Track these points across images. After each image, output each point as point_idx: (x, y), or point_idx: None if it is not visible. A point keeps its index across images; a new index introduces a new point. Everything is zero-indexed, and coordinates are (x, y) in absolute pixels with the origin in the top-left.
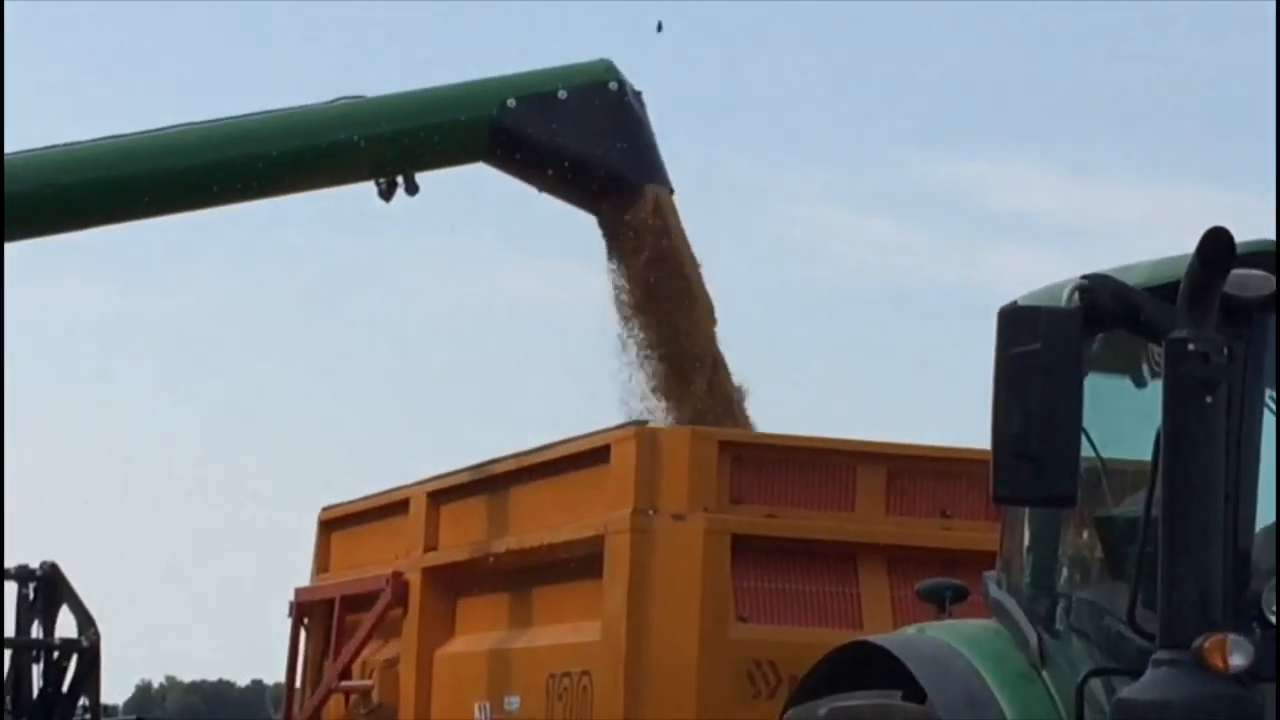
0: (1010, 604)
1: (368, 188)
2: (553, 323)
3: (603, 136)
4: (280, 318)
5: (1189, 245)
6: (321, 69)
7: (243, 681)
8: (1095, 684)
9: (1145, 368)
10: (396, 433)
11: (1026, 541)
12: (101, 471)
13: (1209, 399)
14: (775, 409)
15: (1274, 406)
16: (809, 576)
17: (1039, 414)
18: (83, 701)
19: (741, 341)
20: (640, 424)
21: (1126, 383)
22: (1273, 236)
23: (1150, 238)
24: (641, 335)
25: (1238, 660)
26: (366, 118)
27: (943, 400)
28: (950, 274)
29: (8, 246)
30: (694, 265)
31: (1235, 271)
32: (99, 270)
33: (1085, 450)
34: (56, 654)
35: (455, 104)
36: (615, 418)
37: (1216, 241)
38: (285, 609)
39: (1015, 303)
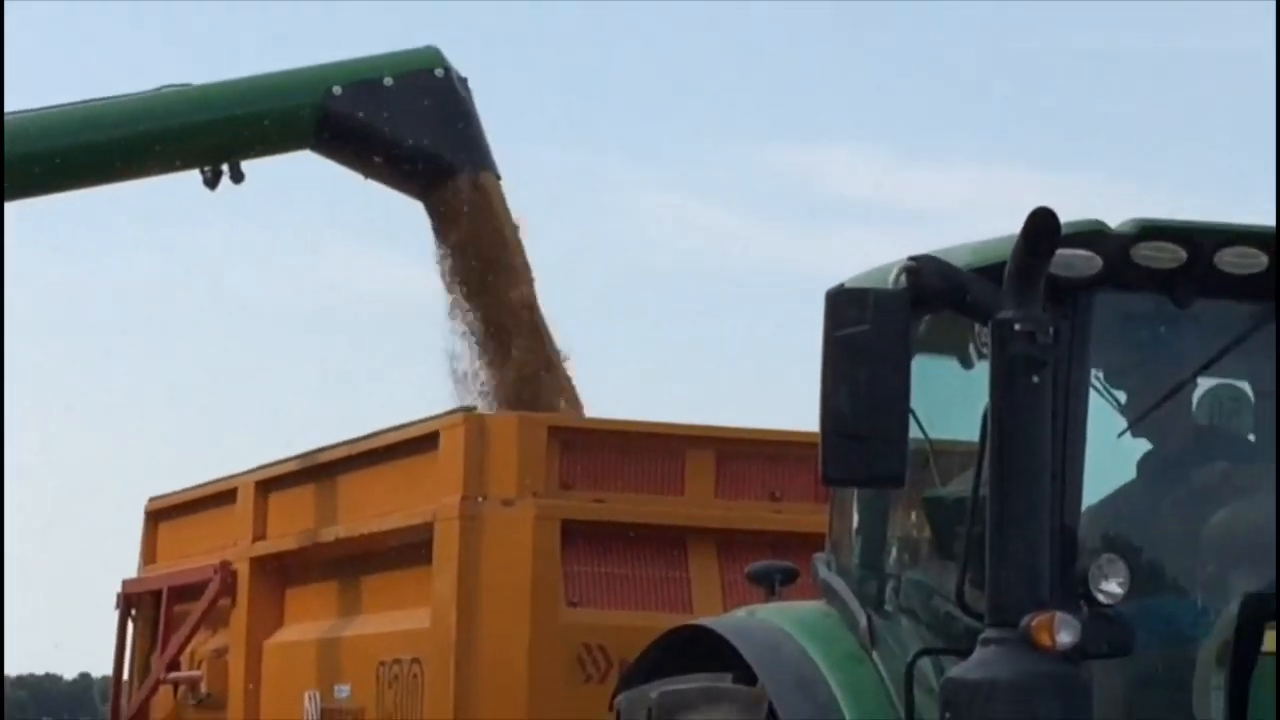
0: (839, 585)
1: (192, 175)
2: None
3: (429, 123)
4: (103, 307)
5: (1015, 226)
6: (146, 57)
7: (70, 675)
8: (925, 664)
9: (972, 348)
10: (224, 422)
11: (855, 523)
12: None
13: (1035, 379)
14: (605, 394)
15: (1099, 386)
16: (639, 561)
17: (867, 395)
18: None
19: (571, 326)
20: (469, 410)
21: (954, 364)
22: (1096, 217)
23: (978, 220)
24: (466, 310)
25: (1065, 638)
26: (191, 105)
27: (771, 383)
28: (778, 257)
29: None
30: (521, 251)
31: (1060, 252)
32: None
33: (913, 431)
34: None
35: (281, 91)
36: (446, 404)
37: (1042, 222)
38: (112, 601)
39: (842, 285)
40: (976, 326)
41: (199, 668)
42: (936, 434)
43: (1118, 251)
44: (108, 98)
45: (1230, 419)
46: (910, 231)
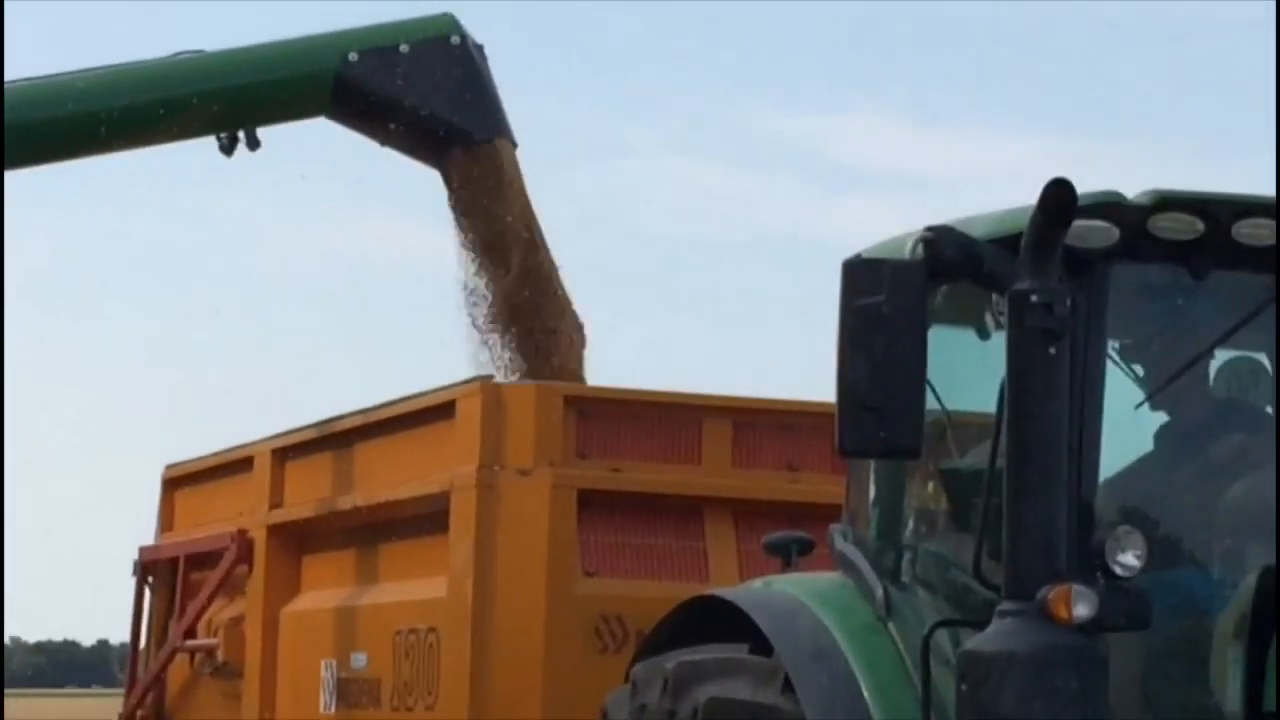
0: (856, 556)
1: (209, 141)
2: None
3: (445, 90)
4: (123, 273)
5: (1032, 197)
6: (162, 24)
7: (88, 641)
8: (941, 635)
9: (989, 319)
10: (241, 389)
11: (872, 494)
12: None
13: (1052, 350)
14: (621, 363)
15: (1116, 358)
16: (656, 530)
17: (883, 366)
18: None
19: (586, 294)
20: (486, 379)
21: (970, 335)
22: (1113, 188)
23: (995, 190)
24: (482, 277)
25: (1081, 611)
26: (207, 73)
27: (788, 353)
28: (796, 226)
29: None
30: (534, 217)
31: (1077, 223)
32: None
33: (930, 402)
34: None
35: (297, 58)
36: (463, 372)
37: (1059, 193)
38: (130, 568)
39: (859, 255)
40: (994, 297)
41: (216, 636)
42: (953, 405)
43: (1135, 223)
44: (123, 64)
45: (1248, 391)
46: (926, 200)
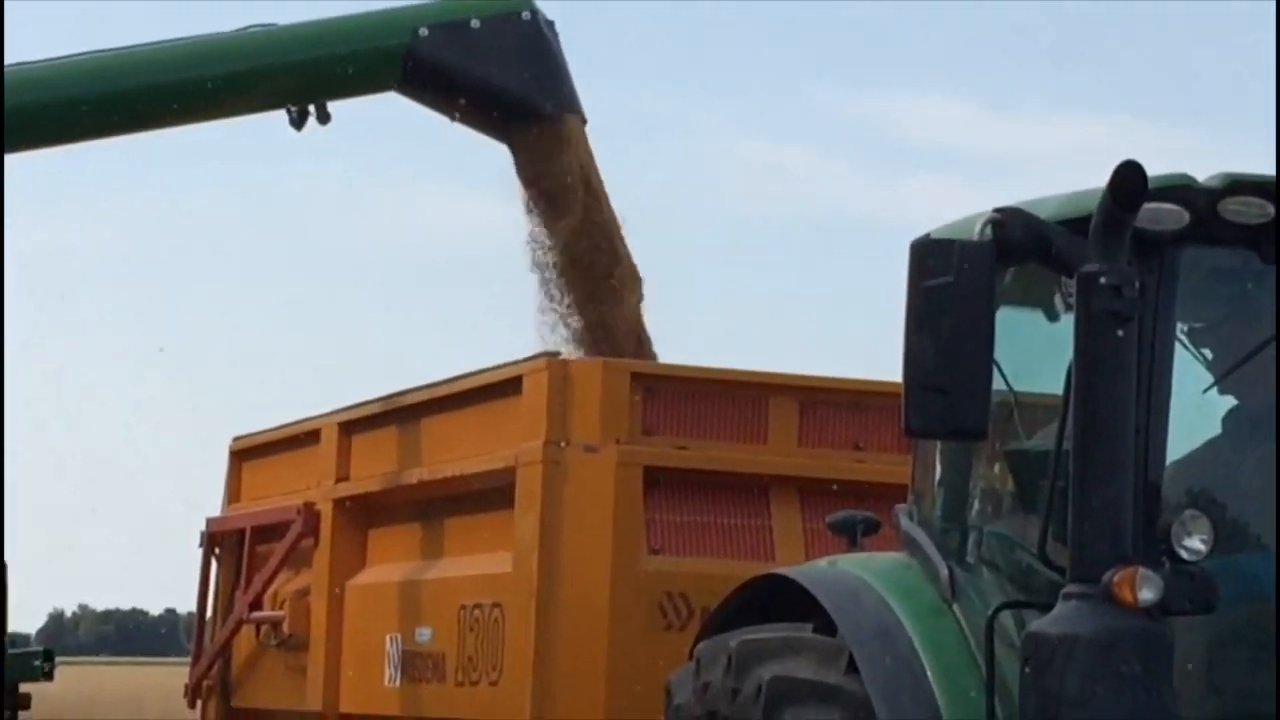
0: (921, 537)
1: (279, 116)
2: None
3: (515, 65)
4: (192, 247)
5: (1103, 179)
6: None
7: (156, 610)
8: (1006, 617)
9: (1057, 301)
10: (309, 362)
11: (938, 474)
12: (13, 403)
13: (1120, 332)
14: (688, 341)
15: (1184, 341)
16: (721, 509)
17: (950, 347)
18: None
19: (654, 272)
20: (552, 355)
21: (1039, 316)
22: (1184, 171)
23: (1066, 172)
24: (551, 253)
25: (1147, 594)
26: (278, 46)
27: (856, 332)
28: (865, 205)
29: None
30: (605, 194)
31: (1147, 205)
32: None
33: (997, 383)
34: None
35: (367, 33)
36: (530, 348)
37: (1129, 175)
38: (197, 539)
39: (928, 235)
40: (1062, 279)
41: (281, 608)
42: (1020, 386)
43: (1205, 206)
44: (194, 37)
45: None
46: (996, 182)
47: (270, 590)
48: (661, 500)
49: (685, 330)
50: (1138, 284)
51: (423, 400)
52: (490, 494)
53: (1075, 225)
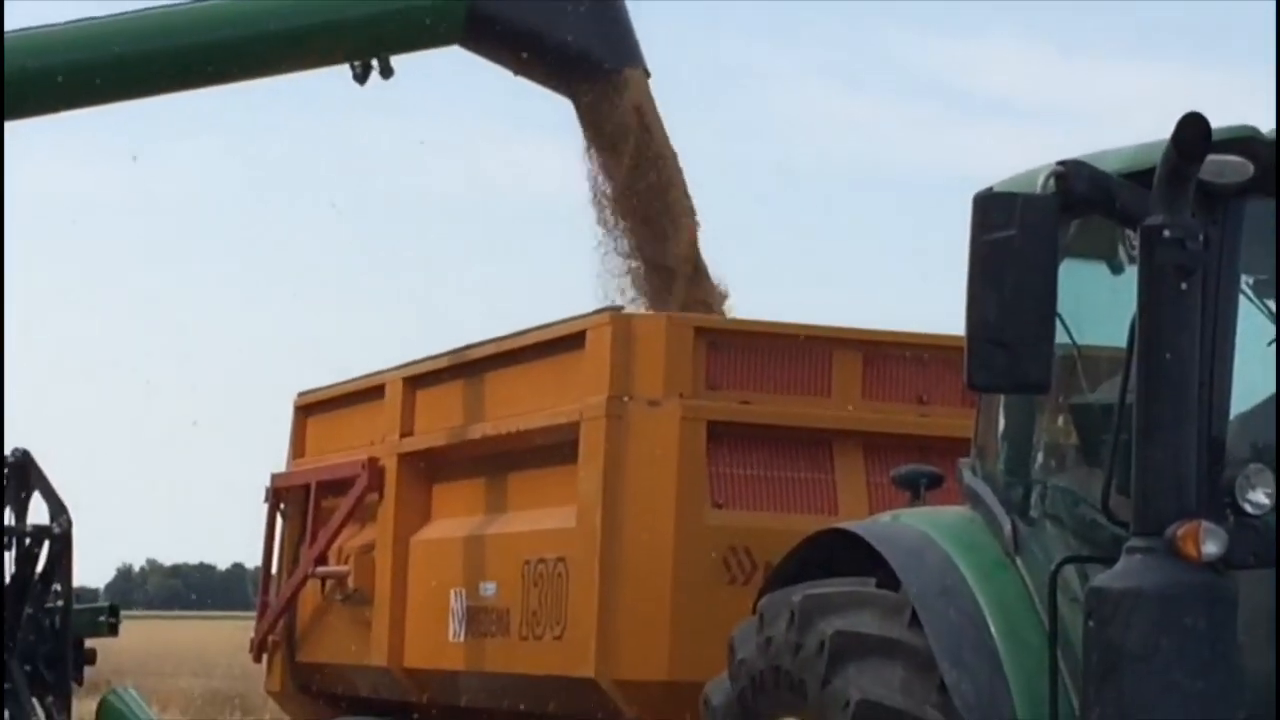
0: (985, 491)
1: (342, 70)
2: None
3: (578, 19)
4: (254, 201)
5: (1167, 131)
6: None
7: (223, 565)
8: (1069, 571)
9: (1121, 253)
10: (373, 317)
11: (1001, 428)
12: (77, 358)
13: (1184, 285)
14: (752, 294)
15: (1249, 293)
16: (785, 463)
17: (1013, 300)
18: (55, 587)
19: (718, 226)
20: (615, 310)
21: (1102, 269)
22: (1249, 123)
23: (1132, 123)
24: (619, 228)
25: (1211, 548)
26: (341, 1)
27: (920, 285)
28: (930, 156)
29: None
30: (670, 151)
31: (1211, 157)
32: (62, 151)
33: (1060, 337)
34: (29, 541)
35: None
36: (593, 303)
37: (1193, 127)
38: (262, 494)
39: (990, 189)
40: (1125, 231)
41: (346, 563)
42: (1084, 339)
43: (1269, 157)
44: None
45: None
46: (1065, 131)
47: (335, 545)
48: (725, 454)
49: (749, 283)
50: (1201, 237)
51: (487, 355)
52: (554, 449)
53: (1139, 178)
